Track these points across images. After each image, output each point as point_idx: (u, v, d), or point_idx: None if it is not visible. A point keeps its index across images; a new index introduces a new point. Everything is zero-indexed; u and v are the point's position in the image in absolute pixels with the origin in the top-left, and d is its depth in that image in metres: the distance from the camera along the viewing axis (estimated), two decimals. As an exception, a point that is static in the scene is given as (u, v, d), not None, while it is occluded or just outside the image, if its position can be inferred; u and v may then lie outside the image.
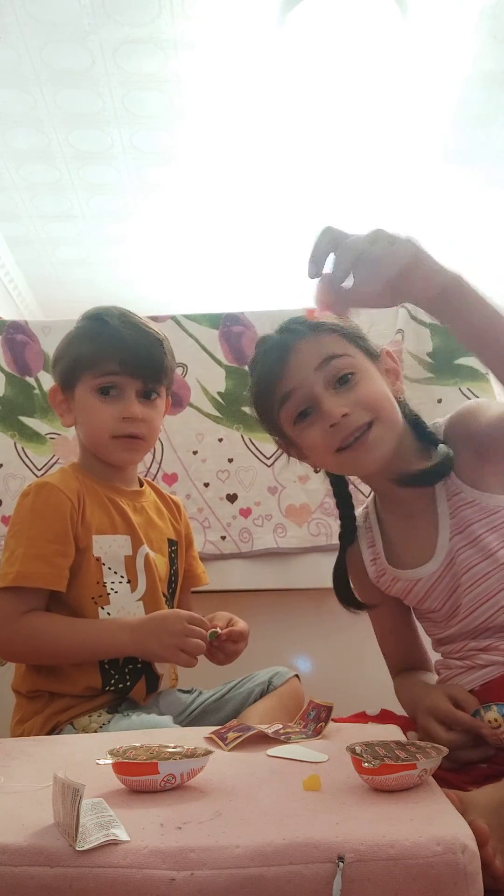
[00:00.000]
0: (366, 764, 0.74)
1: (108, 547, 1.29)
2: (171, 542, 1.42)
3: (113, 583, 1.29)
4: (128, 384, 1.31)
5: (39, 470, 1.79)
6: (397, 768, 0.73)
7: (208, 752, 0.80)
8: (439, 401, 1.77)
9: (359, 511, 1.28)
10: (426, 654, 1.28)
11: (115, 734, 1.11)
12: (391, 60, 2.95)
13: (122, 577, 1.30)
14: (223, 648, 1.28)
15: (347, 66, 2.97)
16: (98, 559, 1.28)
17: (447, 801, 0.72)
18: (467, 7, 2.71)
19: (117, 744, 0.84)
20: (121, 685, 1.26)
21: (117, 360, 1.30)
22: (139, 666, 1.28)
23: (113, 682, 1.25)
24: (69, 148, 3.43)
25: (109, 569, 1.29)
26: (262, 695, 1.32)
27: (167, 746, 0.83)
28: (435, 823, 0.65)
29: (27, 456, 1.80)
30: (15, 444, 1.81)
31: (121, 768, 0.77)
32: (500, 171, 3.70)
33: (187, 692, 1.38)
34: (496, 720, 1.00)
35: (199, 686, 1.40)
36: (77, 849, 0.61)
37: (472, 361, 1.78)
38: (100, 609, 1.26)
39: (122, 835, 0.63)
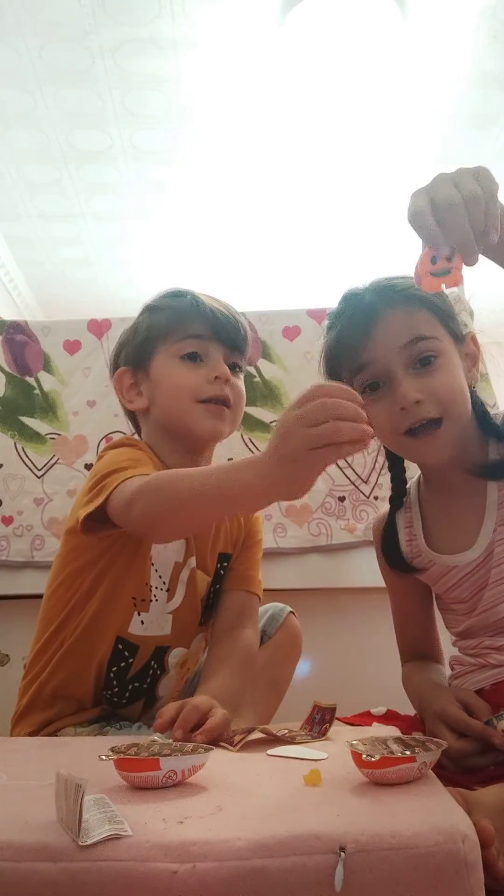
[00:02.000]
0: (365, 757, 0.74)
1: (164, 548, 1.17)
2: (221, 557, 1.28)
3: (157, 588, 1.17)
4: (213, 348, 1.21)
5: (39, 470, 1.78)
6: (397, 761, 0.74)
7: (209, 749, 0.80)
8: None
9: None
10: (439, 646, 1.27)
11: (118, 737, 1.10)
12: (391, 60, 2.96)
13: (164, 583, 1.18)
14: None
15: (347, 65, 2.98)
16: (150, 559, 1.17)
17: (447, 794, 0.72)
18: (467, 7, 2.72)
19: (118, 743, 0.84)
20: (115, 699, 1.19)
21: (203, 322, 1.20)
22: (144, 686, 1.20)
23: (108, 694, 1.18)
24: (69, 148, 3.44)
25: (156, 572, 1.17)
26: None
27: (169, 744, 0.84)
28: (435, 814, 0.65)
29: (27, 456, 1.80)
30: (15, 444, 1.80)
31: (123, 764, 0.77)
32: (500, 172, 3.70)
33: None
34: None
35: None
36: (80, 844, 0.61)
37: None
38: (135, 615, 1.16)
39: (124, 829, 0.63)
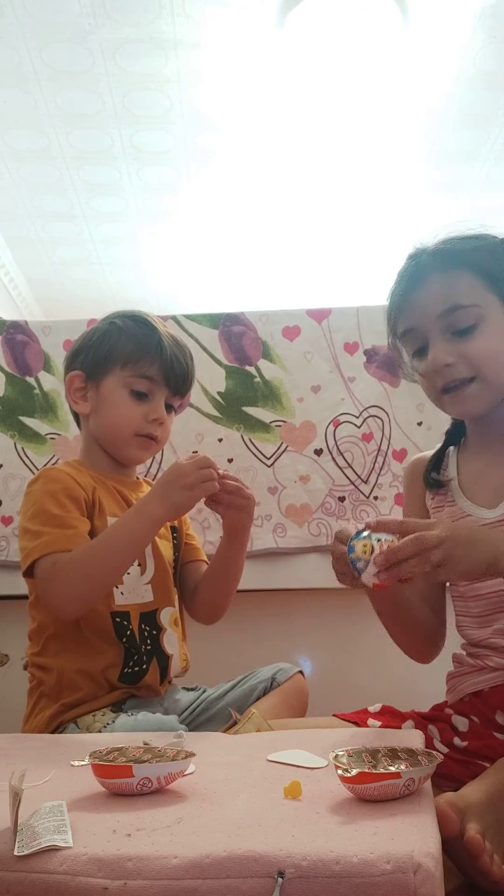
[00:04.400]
0: (341, 772, 0.71)
1: None
2: (172, 529, 1.44)
3: None
4: (160, 391, 1.37)
5: (39, 470, 1.78)
6: (377, 777, 0.70)
7: (189, 755, 0.79)
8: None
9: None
10: (441, 628, 1.25)
11: (120, 735, 1.10)
12: (391, 61, 2.95)
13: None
14: (220, 498, 1.26)
15: (347, 66, 2.97)
16: None
17: (429, 814, 0.68)
18: (467, 7, 2.71)
19: (116, 744, 0.84)
20: (136, 668, 1.26)
21: (160, 367, 1.35)
22: (149, 647, 1.29)
23: (132, 662, 1.26)
24: (69, 148, 3.43)
25: None
26: (265, 692, 1.32)
27: (153, 749, 0.83)
28: (396, 839, 0.61)
29: (27, 456, 1.80)
30: (15, 444, 1.80)
31: (98, 770, 0.76)
32: (499, 173, 3.70)
33: (192, 689, 1.39)
34: (366, 546, 0.95)
35: (204, 684, 1.40)
36: (15, 854, 0.61)
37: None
38: (114, 588, 1.28)
39: (64, 841, 0.63)
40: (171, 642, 1.32)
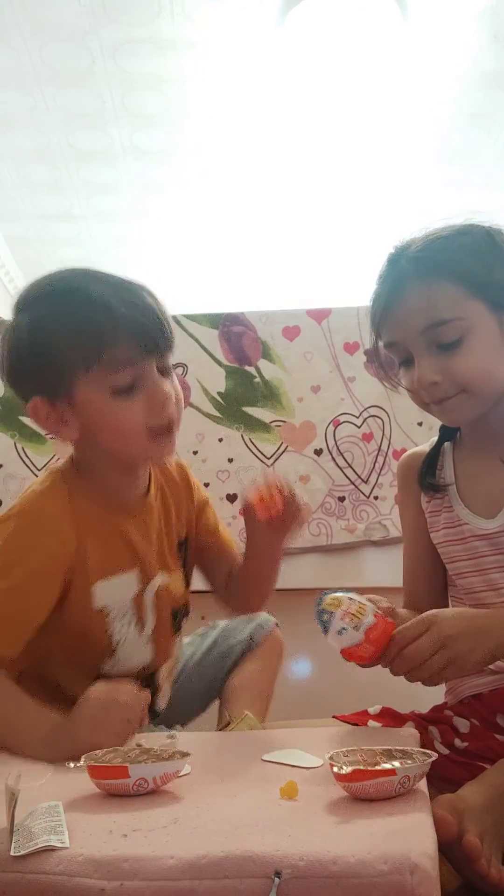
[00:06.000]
0: (336, 770, 0.71)
1: (114, 591, 1.11)
2: (181, 546, 1.23)
3: (120, 630, 1.12)
4: (146, 367, 1.03)
5: (39, 470, 1.78)
6: (373, 774, 0.70)
7: (185, 755, 0.79)
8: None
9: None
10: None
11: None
12: (391, 60, 2.95)
13: (129, 620, 1.13)
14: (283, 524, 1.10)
15: (347, 65, 2.97)
16: (101, 610, 1.09)
17: (425, 814, 0.68)
18: (467, 7, 2.71)
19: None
20: None
21: (127, 340, 1.01)
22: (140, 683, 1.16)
23: None
24: (69, 148, 3.43)
25: (117, 617, 1.12)
26: (243, 653, 1.28)
27: (148, 750, 0.82)
28: (393, 839, 0.61)
29: (27, 456, 1.80)
30: (15, 444, 1.80)
31: (93, 771, 0.76)
32: (501, 172, 3.70)
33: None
34: (334, 599, 0.94)
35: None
36: (12, 854, 0.61)
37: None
38: (104, 662, 1.12)
39: (60, 841, 0.63)
40: (163, 697, 1.21)
